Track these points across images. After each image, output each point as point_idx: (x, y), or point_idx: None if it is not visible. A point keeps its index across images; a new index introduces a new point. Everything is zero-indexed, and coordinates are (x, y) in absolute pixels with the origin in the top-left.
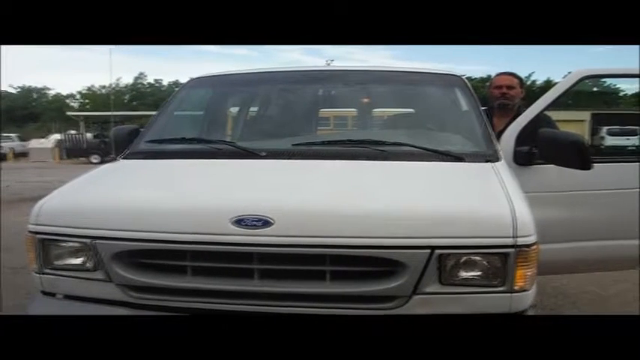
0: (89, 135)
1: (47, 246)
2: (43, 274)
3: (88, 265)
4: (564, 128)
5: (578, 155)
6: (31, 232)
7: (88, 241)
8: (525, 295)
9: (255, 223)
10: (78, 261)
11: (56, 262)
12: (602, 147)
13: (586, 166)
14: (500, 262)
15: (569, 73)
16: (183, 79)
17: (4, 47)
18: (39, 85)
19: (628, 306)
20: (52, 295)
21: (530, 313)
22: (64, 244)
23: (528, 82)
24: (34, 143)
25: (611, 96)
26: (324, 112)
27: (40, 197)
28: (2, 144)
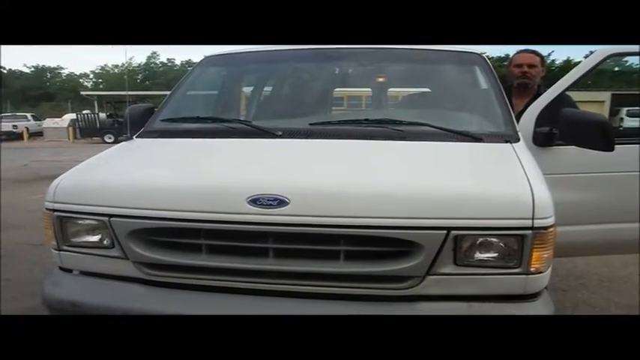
0: (102, 115)
1: (64, 223)
2: (62, 250)
3: (105, 242)
4: (583, 109)
5: (602, 136)
6: (48, 209)
7: (104, 218)
8: (541, 277)
9: (270, 202)
10: (95, 238)
11: (73, 240)
12: (621, 128)
13: (609, 147)
14: (516, 243)
15: (591, 52)
16: (196, 59)
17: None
18: (52, 65)
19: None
20: (70, 271)
21: (544, 295)
22: (80, 222)
23: (547, 62)
24: (49, 123)
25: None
26: (339, 91)
27: (56, 176)
28: (17, 123)
